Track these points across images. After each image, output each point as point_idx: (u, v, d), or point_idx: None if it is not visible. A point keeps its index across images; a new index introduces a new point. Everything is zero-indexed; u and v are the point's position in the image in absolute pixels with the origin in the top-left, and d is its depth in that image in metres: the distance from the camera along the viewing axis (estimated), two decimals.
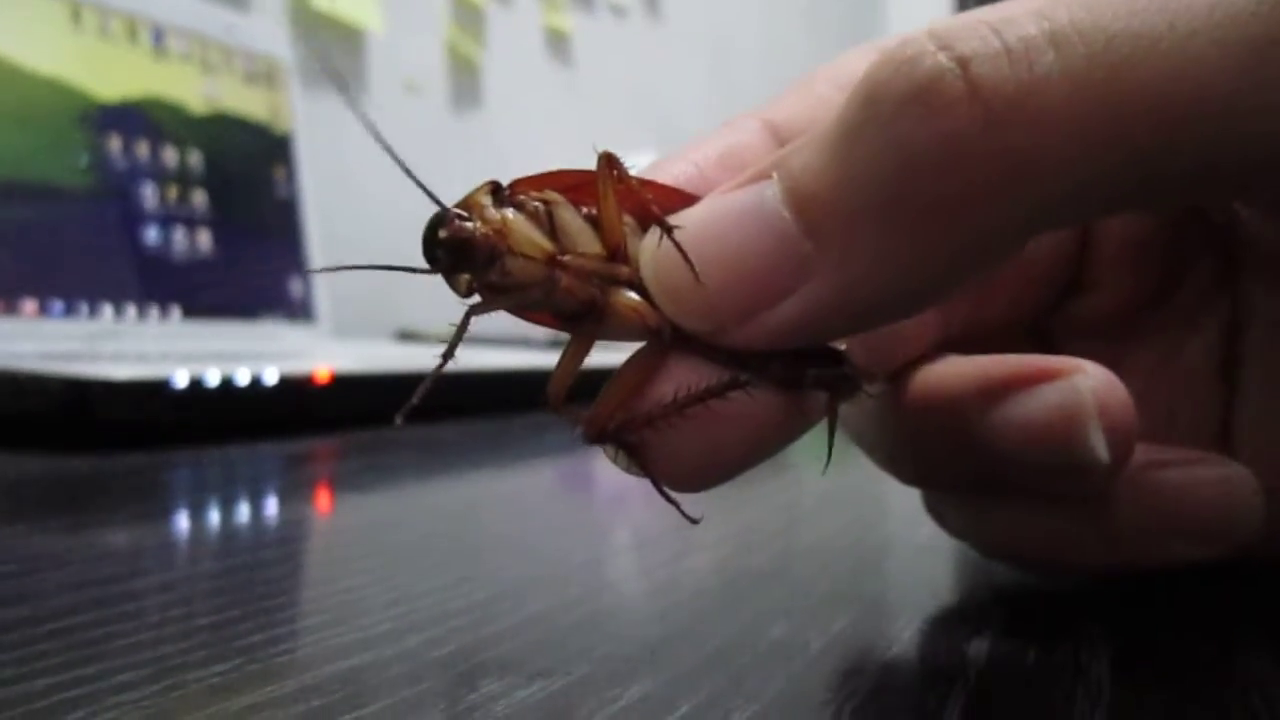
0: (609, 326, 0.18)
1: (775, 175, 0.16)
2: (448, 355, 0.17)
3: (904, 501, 0.33)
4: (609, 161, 0.18)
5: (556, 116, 1.19)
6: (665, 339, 0.17)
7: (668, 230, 0.17)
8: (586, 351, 0.18)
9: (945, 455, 0.21)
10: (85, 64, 0.60)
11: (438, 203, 0.17)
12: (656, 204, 0.17)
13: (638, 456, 0.18)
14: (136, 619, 0.20)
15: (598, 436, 0.18)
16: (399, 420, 0.17)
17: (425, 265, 0.17)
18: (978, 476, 0.21)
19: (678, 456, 0.18)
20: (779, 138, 0.20)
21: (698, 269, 0.16)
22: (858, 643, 0.19)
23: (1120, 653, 0.19)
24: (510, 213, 0.17)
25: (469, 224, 0.17)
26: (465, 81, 1.09)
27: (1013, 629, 0.20)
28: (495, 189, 0.18)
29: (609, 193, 0.18)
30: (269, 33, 0.75)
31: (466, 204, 0.17)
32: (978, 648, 0.19)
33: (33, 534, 0.28)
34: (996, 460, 0.20)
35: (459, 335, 0.17)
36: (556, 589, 0.23)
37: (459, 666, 0.18)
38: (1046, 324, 0.25)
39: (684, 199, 0.18)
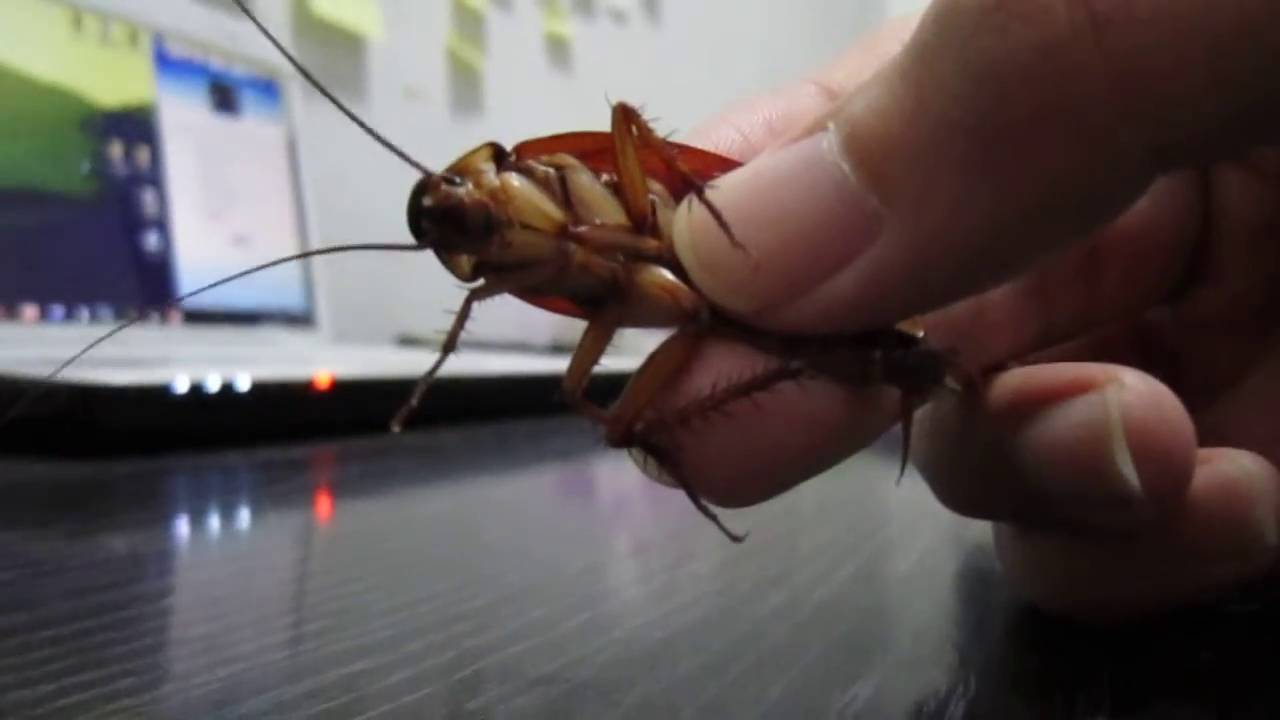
0: (635, 309, 0.15)
1: (832, 124, 0.14)
2: (448, 348, 0.15)
3: (904, 507, 0.33)
4: (625, 116, 0.15)
5: (557, 122, 1.19)
6: (702, 322, 0.15)
7: (698, 190, 0.14)
8: (608, 339, 0.16)
9: (987, 481, 0.19)
10: (86, 70, 0.60)
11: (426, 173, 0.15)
12: (686, 164, 0.15)
13: (670, 462, 0.15)
14: (137, 625, 0.20)
15: (623, 438, 0.15)
16: (396, 427, 0.15)
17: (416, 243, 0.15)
18: (1020, 509, 0.19)
19: (718, 462, 0.15)
20: None
21: (740, 235, 0.14)
22: (857, 649, 0.19)
23: (1121, 658, 0.19)
24: (511, 177, 0.15)
25: (459, 189, 0.15)
26: (466, 88, 1.09)
27: (1013, 636, 0.20)
28: (497, 153, 0.16)
29: (628, 151, 0.15)
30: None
31: (460, 168, 0.15)
32: (977, 654, 0.19)
33: (33, 539, 0.28)
34: (1032, 489, 0.17)
35: (459, 323, 0.15)
36: (557, 595, 0.23)
37: (460, 672, 0.18)
38: (1162, 323, 0.22)
39: (726, 166, 0.15)
